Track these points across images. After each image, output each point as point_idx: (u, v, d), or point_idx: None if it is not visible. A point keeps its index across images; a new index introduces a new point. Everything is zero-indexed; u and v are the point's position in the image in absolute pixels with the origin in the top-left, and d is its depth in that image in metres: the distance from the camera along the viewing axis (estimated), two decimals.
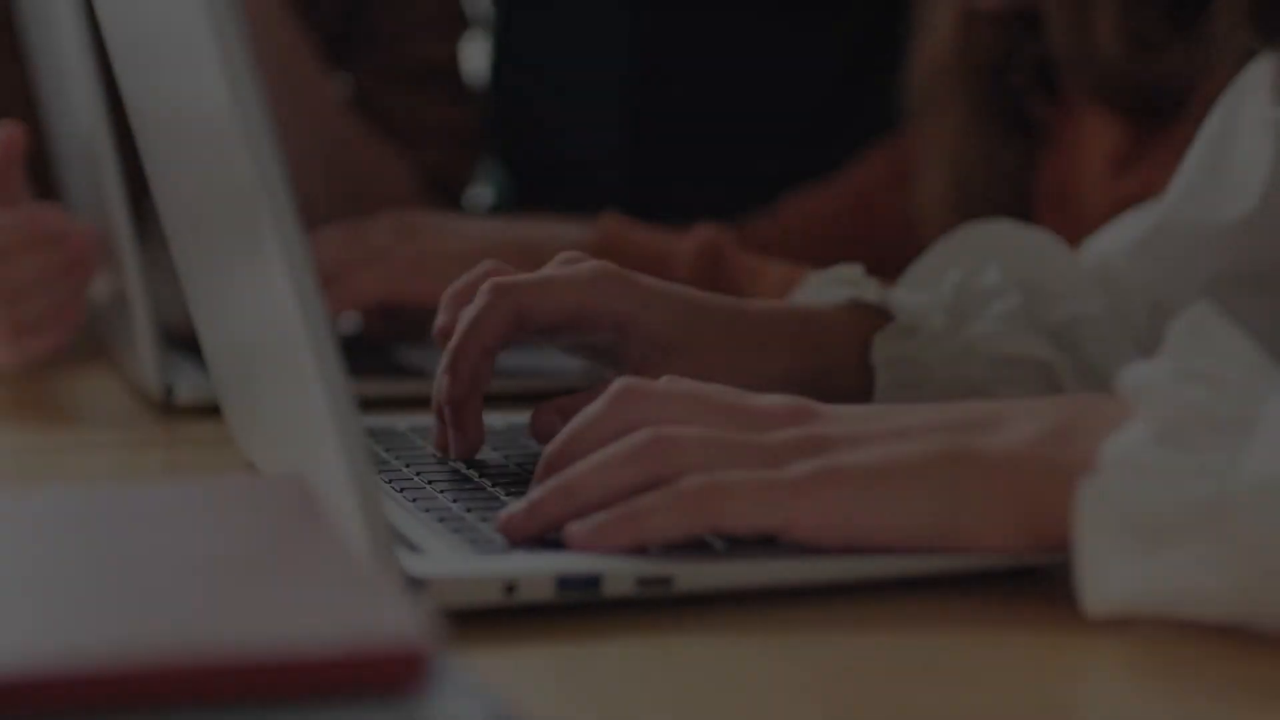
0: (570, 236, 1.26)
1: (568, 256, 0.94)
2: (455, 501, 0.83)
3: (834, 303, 0.99)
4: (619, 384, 0.79)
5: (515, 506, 0.77)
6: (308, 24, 1.58)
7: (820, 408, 0.78)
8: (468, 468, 0.90)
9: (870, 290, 0.98)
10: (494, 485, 0.86)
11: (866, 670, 0.69)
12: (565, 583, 0.72)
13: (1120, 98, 1.29)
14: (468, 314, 0.90)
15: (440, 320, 0.93)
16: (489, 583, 0.72)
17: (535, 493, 0.77)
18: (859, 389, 0.97)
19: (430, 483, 0.87)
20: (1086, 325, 1.00)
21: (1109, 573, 0.69)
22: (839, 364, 0.97)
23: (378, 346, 1.29)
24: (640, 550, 0.74)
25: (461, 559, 0.74)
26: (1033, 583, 0.76)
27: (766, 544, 0.76)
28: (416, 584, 0.70)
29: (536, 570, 0.72)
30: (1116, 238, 1.06)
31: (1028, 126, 1.43)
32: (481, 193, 1.55)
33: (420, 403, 0.98)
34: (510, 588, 0.72)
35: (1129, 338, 1.00)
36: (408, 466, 0.91)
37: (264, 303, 0.74)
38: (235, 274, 0.80)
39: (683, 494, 0.73)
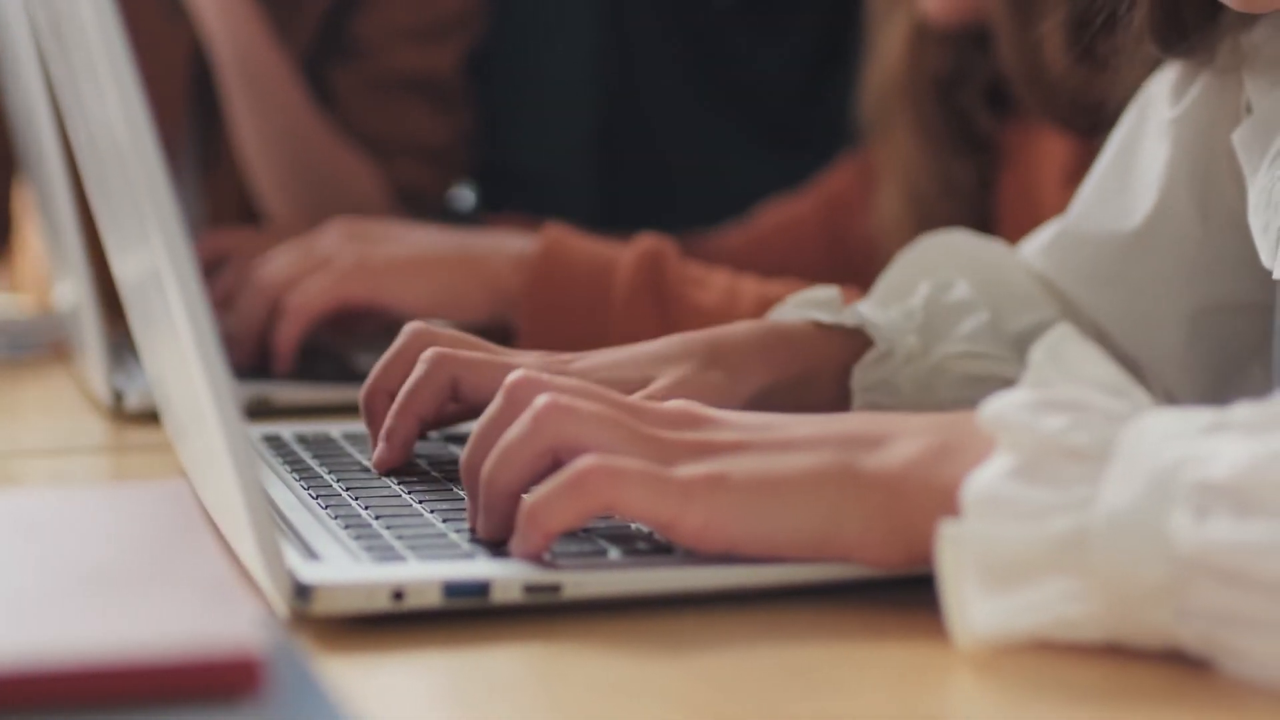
0: (514, 248, 1.28)
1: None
2: (367, 509, 0.85)
3: (808, 321, 1.00)
4: (511, 376, 0.80)
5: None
6: (287, 30, 1.59)
7: (709, 413, 0.79)
8: (386, 475, 0.91)
9: (846, 315, 0.99)
10: (410, 493, 0.88)
11: (746, 679, 0.70)
12: (452, 589, 0.74)
13: (1070, 114, 1.29)
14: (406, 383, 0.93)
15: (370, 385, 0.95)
16: (377, 589, 0.73)
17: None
18: (832, 401, 0.98)
19: (348, 489, 0.88)
20: (1043, 334, 1.01)
21: (974, 611, 0.70)
22: (814, 377, 0.98)
23: (332, 351, 1.31)
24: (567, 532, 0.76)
25: (352, 566, 0.75)
26: (916, 592, 0.77)
27: (655, 551, 0.77)
28: (305, 590, 0.72)
29: (424, 577, 0.74)
30: (1029, 246, 1.07)
31: (981, 143, 1.43)
32: (462, 195, 1.56)
33: None
34: (398, 594, 0.73)
35: None
36: (330, 473, 0.92)
37: (163, 314, 0.76)
38: (144, 285, 0.82)
39: (578, 476, 0.74)
